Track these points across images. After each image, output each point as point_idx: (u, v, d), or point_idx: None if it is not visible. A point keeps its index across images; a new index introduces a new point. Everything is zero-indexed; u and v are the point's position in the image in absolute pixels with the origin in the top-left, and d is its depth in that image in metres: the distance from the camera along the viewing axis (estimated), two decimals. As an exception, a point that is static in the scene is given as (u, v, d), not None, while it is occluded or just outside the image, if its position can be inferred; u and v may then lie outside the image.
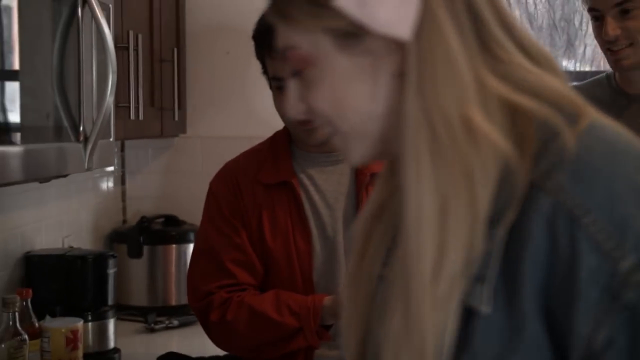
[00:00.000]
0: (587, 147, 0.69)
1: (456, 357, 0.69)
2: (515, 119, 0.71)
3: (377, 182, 0.85)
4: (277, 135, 1.71)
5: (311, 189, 1.66)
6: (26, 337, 1.76)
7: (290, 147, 1.68)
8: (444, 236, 0.68)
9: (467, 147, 0.69)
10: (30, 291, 1.84)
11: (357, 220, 0.84)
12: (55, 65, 1.42)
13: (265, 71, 1.63)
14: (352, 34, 0.71)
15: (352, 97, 0.73)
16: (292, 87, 0.77)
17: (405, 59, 0.71)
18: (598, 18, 1.79)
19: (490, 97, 0.71)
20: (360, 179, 1.64)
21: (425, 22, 0.70)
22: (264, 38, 1.59)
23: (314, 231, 1.63)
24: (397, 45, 0.71)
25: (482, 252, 0.69)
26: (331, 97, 0.74)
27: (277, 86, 1.61)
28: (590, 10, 1.81)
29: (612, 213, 0.66)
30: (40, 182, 1.55)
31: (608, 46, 1.79)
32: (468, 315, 0.69)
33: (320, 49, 0.73)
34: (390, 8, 0.70)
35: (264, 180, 1.65)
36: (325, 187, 1.66)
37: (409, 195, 0.70)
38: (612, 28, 1.75)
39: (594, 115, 0.72)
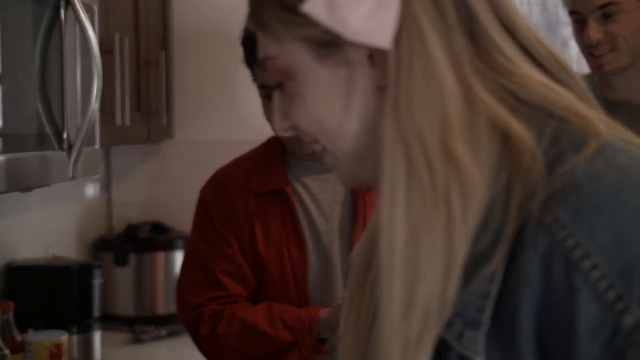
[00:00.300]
0: (592, 175, 0.61)
1: None
2: (507, 143, 0.63)
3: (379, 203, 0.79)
4: (269, 142, 1.66)
5: (306, 197, 1.61)
6: (8, 352, 1.70)
7: (284, 154, 1.63)
8: (414, 270, 0.61)
9: (444, 175, 0.61)
10: (12, 304, 1.78)
11: (358, 242, 0.78)
12: (37, 70, 1.36)
13: (254, 79, 1.59)
14: (329, 43, 0.66)
15: (334, 113, 0.67)
16: (276, 102, 0.72)
17: (386, 71, 0.64)
18: (579, 21, 1.74)
19: (479, 116, 0.63)
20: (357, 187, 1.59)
21: (405, 28, 0.63)
22: (252, 45, 1.54)
23: (309, 241, 1.58)
24: (380, 55, 0.64)
25: (475, 293, 0.61)
26: (312, 113, 0.68)
27: (266, 94, 1.57)
28: (571, 13, 1.76)
29: (615, 257, 0.58)
30: (22, 192, 1.49)
31: (589, 50, 1.74)
32: None
33: (298, 59, 0.67)
34: (363, 14, 0.63)
35: (256, 188, 1.60)
36: (320, 196, 1.61)
37: (383, 222, 0.63)
38: (595, 32, 1.70)
39: (607, 134, 0.63)
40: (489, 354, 0.62)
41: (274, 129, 1.60)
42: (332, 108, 0.67)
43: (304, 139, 0.72)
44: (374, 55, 0.65)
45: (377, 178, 0.67)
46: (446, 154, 0.61)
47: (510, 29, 0.66)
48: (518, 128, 0.63)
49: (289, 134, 0.73)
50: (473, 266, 0.62)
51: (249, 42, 1.55)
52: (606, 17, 1.70)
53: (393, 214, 0.62)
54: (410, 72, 0.62)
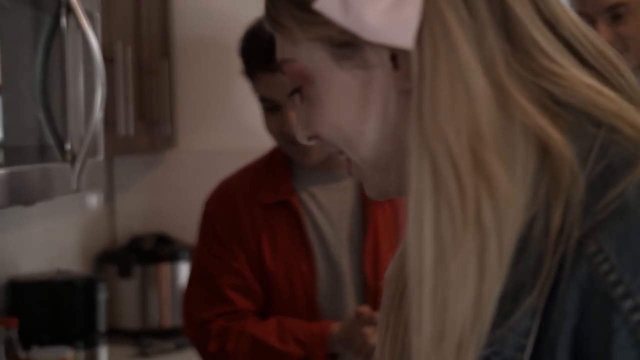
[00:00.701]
0: None
1: None
2: (546, 156, 0.57)
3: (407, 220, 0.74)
4: (274, 151, 1.62)
5: (314, 208, 1.56)
6: (12, 370, 1.65)
7: (289, 164, 1.59)
8: (444, 296, 0.55)
9: (475, 190, 0.55)
10: (16, 320, 1.73)
11: (391, 262, 0.73)
12: (38, 79, 1.32)
13: (254, 91, 1.55)
14: (347, 44, 0.61)
15: (354, 119, 0.62)
16: (297, 108, 0.67)
17: (410, 74, 0.59)
18: (588, 23, 1.70)
19: (514, 124, 0.57)
20: (366, 196, 1.54)
21: (428, 25, 0.57)
22: (251, 56, 1.51)
23: (317, 253, 1.54)
24: (404, 56, 0.59)
25: (515, 329, 0.56)
26: (332, 119, 0.63)
27: (267, 107, 1.52)
28: (579, 14, 1.72)
29: None
30: (25, 205, 1.44)
31: None
32: None
33: (315, 61, 0.63)
34: (381, 11, 0.58)
35: (263, 200, 1.56)
36: (328, 206, 1.56)
37: (410, 242, 0.58)
38: (605, 34, 1.66)
39: None
40: None
41: (275, 137, 1.56)
42: (352, 114, 0.62)
43: (328, 150, 0.68)
44: (398, 57, 0.60)
45: (402, 189, 0.62)
46: (476, 166, 0.55)
47: (552, 23, 0.60)
48: (559, 140, 0.57)
49: (312, 142, 0.68)
50: (513, 296, 0.56)
51: (248, 53, 1.51)
52: (615, 18, 1.66)
53: (420, 233, 0.57)
54: (434, 74, 0.57)
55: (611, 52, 0.61)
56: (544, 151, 0.57)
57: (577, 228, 0.55)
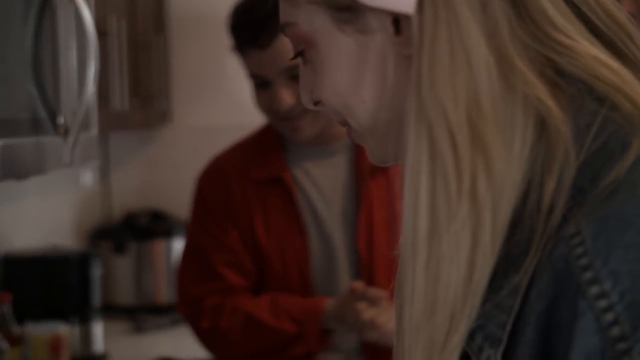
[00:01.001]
0: (631, 183, 0.52)
1: None
2: (543, 130, 0.56)
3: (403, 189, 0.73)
4: (267, 127, 1.61)
5: (307, 184, 1.56)
6: (6, 345, 1.65)
7: (282, 139, 1.58)
8: (437, 266, 0.55)
9: (471, 162, 0.54)
10: (10, 295, 1.73)
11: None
12: (29, 51, 1.30)
13: (245, 67, 1.53)
14: (348, 8, 0.60)
15: (355, 85, 0.62)
16: (300, 74, 0.67)
17: (411, 39, 0.57)
18: None
19: (515, 95, 0.55)
20: (360, 171, 1.54)
21: None
22: (240, 33, 1.49)
23: (311, 229, 1.54)
24: (407, 22, 0.58)
25: (500, 305, 0.55)
26: (333, 84, 0.62)
27: (257, 83, 1.51)
28: None
29: (628, 289, 0.50)
30: (18, 180, 1.43)
31: None
32: None
33: (317, 25, 0.62)
34: None
35: (255, 176, 1.55)
36: (321, 182, 1.56)
37: (405, 212, 0.57)
38: (627, 5, 1.64)
39: None
40: None
41: (266, 113, 1.55)
42: (353, 79, 0.62)
43: (333, 118, 0.67)
44: (400, 22, 0.59)
45: (400, 156, 0.61)
46: (473, 138, 0.54)
47: None
48: (557, 114, 0.55)
49: (317, 108, 0.67)
50: (504, 271, 0.55)
51: (237, 29, 1.50)
52: None
53: (415, 204, 0.56)
54: (434, 40, 0.55)
55: (625, 19, 0.59)
56: (542, 124, 0.56)
57: (564, 208, 0.54)
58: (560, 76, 0.57)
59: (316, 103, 0.66)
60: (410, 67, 0.58)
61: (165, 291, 2.46)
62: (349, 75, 0.62)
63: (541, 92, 0.56)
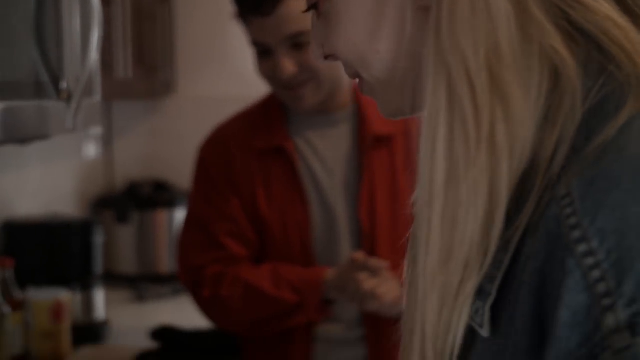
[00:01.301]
0: (620, 144, 0.52)
1: None
2: (557, 81, 0.56)
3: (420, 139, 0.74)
4: (270, 97, 1.60)
5: (309, 153, 1.55)
6: (8, 309, 1.66)
7: (285, 109, 1.57)
8: (454, 213, 0.55)
9: (490, 108, 0.55)
10: (12, 261, 1.73)
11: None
12: (32, 14, 1.30)
13: (247, 34, 1.52)
14: None
15: (371, 36, 0.61)
16: (313, 26, 0.66)
17: None
18: None
19: (532, 44, 0.55)
20: (362, 141, 1.54)
21: None
22: (243, 0, 1.48)
23: (312, 199, 1.53)
24: None
25: (494, 257, 0.56)
26: (348, 36, 0.62)
27: (259, 51, 1.50)
28: None
29: (614, 246, 0.50)
30: (21, 144, 1.43)
31: None
32: (467, 332, 0.57)
33: None
34: None
35: (257, 145, 1.55)
36: (324, 152, 1.55)
37: (422, 160, 0.57)
38: None
39: None
40: (493, 328, 0.56)
41: (268, 82, 1.54)
42: (368, 30, 0.61)
43: (346, 72, 0.67)
44: None
45: (416, 108, 0.62)
46: (493, 85, 0.55)
47: None
48: (571, 66, 0.55)
49: (330, 61, 0.67)
50: (507, 221, 0.56)
51: None
52: None
53: (433, 151, 0.56)
54: None
55: None
56: (556, 76, 0.56)
57: (559, 166, 0.54)
58: (574, 30, 0.57)
59: (328, 57, 0.66)
60: (426, 18, 0.58)
61: (167, 261, 2.47)
62: (365, 27, 0.61)
63: (557, 43, 0.56)
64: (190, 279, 1.58)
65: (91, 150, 2.58)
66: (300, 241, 1.53)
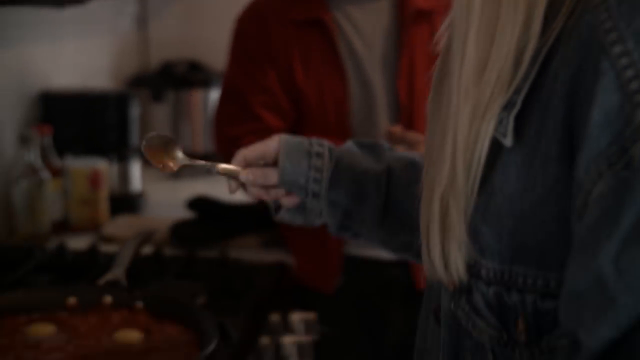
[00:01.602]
0: None
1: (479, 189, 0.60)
2: None
3: None
4: (310, -32, 1.55)
5: (348, 27, 1.52)
6: (47, 175, 1.68)
7: (325, -19, 1.53)
8: (493, 26, 0.58)
9: None
10: (50, 128, 1.75)
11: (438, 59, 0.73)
12: None
13: None
14: None
15: None
16: None
17: None
18: None
19: None
20: (403, 16, 1.50)
21: None
22: None
23: (350, 72, 1.51)
24: None
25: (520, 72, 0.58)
26: None
27: None
28: None
29: None
30: (57, 6, 1.41)
31: None
32: (493, 145, 0.60)
33: None
34: None
35: (294, 16, 1.52)
36: (363, 26, 1.52)
37: None
38: None
39: None
40: (517, 138, 0.59)
41: None
42: None
43: None
44: None
45: None
46: None
47: None
48: None
49: None
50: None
51: None
52: None
53: None
54: None
55: None
56: None
57: None
58: None
59: None
60: None
61: (202, 140, 2.48)
62: None
63: None
64: (226, 150, 1.58)
65: (125, 25, 2.56)
66: (337, 114, 1.52)
